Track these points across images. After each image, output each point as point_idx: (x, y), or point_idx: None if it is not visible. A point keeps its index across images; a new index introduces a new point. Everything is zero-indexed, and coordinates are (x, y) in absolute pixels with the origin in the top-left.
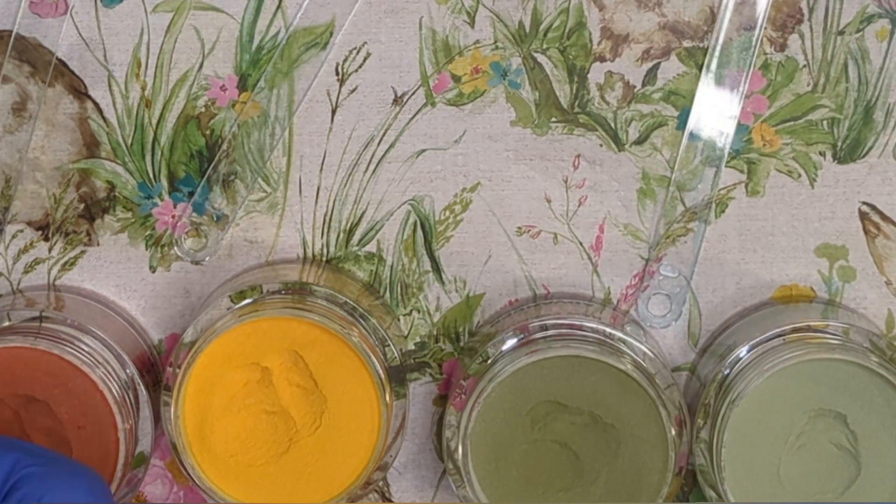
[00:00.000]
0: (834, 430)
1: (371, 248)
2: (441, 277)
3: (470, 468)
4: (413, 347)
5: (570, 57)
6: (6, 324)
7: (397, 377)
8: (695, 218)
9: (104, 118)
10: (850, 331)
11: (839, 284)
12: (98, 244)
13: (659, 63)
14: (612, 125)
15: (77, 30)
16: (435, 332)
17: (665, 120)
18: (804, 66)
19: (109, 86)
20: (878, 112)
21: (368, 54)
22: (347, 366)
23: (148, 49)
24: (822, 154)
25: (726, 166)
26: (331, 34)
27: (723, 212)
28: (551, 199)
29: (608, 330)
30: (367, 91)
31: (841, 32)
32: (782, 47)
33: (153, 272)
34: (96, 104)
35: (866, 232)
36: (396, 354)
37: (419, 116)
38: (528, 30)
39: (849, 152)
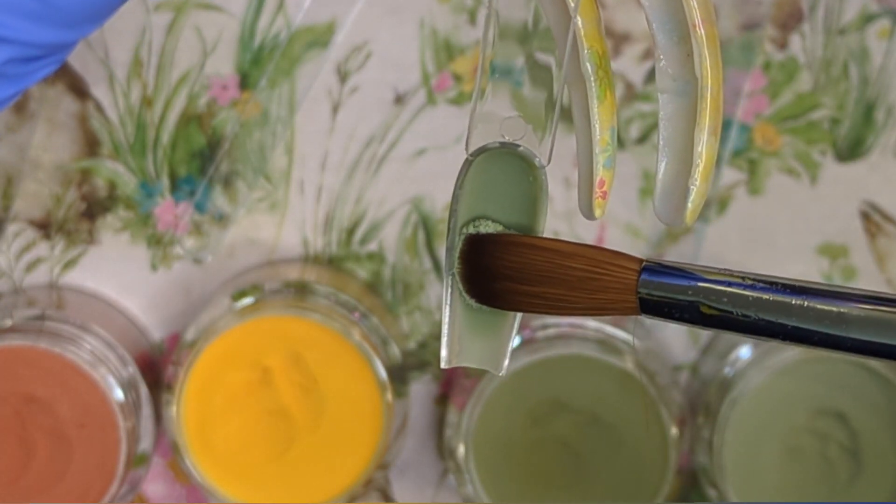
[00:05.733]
0: (835, 430)
1: (372, 247)
2: (442, 276)
3: (471, 467)
4: (414, 346)
5: None
6: (8, 322)
7: (398, 376)
8: None
9: (105, 117)
10: None
11: (840, 283)
12: (99, 243)
13: None
14: None
15: None
16: (436, 332)
17: None
18: (805, 65)
19: (111, 85)
20: (878, 111)
21: (370, 53)
22: (349, 365)
23: (149, 48)
24: (823, 153)
25: (727, 165)
26: (332, 33)
27: (724, 211)
28: (552, 198)
29: (609, 329)
30: (369, 90)
31: (841, 31)
32: (783, 46)
33: (154, 271)
34: (98, 103)
35: (867, 231)
36: (397, 354)
37: (420, 116)
38: (529, 29)
39: (850, 151)
